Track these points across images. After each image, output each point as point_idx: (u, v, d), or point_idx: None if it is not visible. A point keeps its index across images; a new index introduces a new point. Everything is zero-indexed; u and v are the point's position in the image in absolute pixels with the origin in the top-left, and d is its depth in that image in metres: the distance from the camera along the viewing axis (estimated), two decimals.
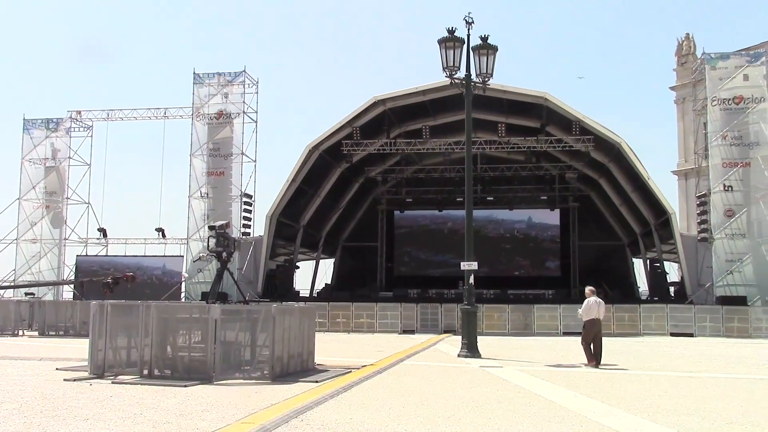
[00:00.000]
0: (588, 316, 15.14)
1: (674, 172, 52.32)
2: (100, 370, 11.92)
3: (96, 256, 38.55)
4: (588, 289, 15.75)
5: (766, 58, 31.94)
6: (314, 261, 44.67)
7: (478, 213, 33.29)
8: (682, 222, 41.07)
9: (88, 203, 39.36)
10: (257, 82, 36.04)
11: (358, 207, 44.02)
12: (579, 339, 15.54)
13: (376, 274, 42.64)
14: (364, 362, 14.57)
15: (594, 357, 14.83)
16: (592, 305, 15.16)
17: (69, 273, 38.52)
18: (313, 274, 44.40)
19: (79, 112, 39.55)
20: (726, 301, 28.78)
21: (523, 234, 42.16)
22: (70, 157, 39.43)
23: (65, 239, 39.23)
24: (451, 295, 34.51)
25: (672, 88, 53.42)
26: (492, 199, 40.58)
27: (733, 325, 27.35)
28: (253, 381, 11.45)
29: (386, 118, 35.15)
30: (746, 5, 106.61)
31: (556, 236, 41.89)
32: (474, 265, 17.71)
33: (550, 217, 41.79)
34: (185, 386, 10.53)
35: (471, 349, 16.81)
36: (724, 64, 31.29)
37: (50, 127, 39.22)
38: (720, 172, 30.57)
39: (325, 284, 42.99)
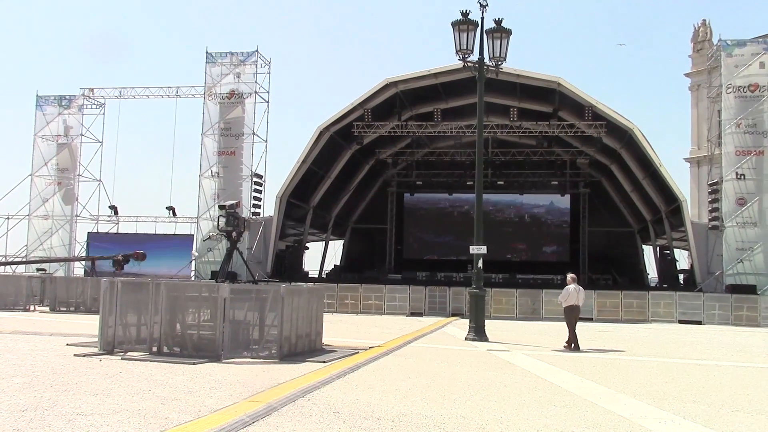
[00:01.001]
0: (567, 303, 15.81)
1: (686, 160, 52.04)
2: (110, 346, 12.04)
3: (107, 233, 38.77)
4: (569, 276, 16.37)
5: None
6: (324, 242, 44.77)
7: (489, 197, 33.39)
8: (693, 209, 40.92)
9: (100, 180, 39.56)
10: (270, 62, 36.02)
11: (368, 189, 44.01)
12: (588, 325, 15.69)
13: (385, 257, 42.73)
14: (371, 344, 14.65)
15: (573, 340, 15.37)
16: (572, 292, 15.78)
17: (80, 249, 38.79)
18: (322, 255, 44.58)
19: (91, 90, 39.63)
20: (735, 289, 28.70)
21: (533, 218, 42.06)
22: (82, 134, 39.59)
23: (77, 216, 39.47)
24: (460, 278, 34.55)
25: (687, 75, 52.99)
26: (502, 183, 40.49)
27: (742, 313, 27.28)
28: (261, 360, 11.54)
29: (398, 101, 35.03)
30: None
31: (566, 221, 41.80)
32: (483, 249, 17.74)
33: (561, 203, 41.67)
34: (194, 364, 10.63)
35: (478, 333, 16.87)
36: (740, 51, 31.00)
37: (63, 104, 39.34)
38: (733, 160, 30.39)
39: (334, 265, 43.11)
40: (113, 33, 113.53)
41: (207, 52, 35.73)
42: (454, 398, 8.42)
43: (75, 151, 39.67)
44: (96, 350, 12.03)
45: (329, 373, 10.10)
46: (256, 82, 35.36)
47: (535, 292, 28.86)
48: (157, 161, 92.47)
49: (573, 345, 15.23)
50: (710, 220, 31.46)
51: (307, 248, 41.68)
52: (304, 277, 37.35)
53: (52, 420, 6.53)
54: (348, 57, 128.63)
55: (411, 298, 28.88)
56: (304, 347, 12.57)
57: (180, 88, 38.41)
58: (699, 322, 27.02)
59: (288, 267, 36.23)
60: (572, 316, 15.70)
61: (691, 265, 32.87)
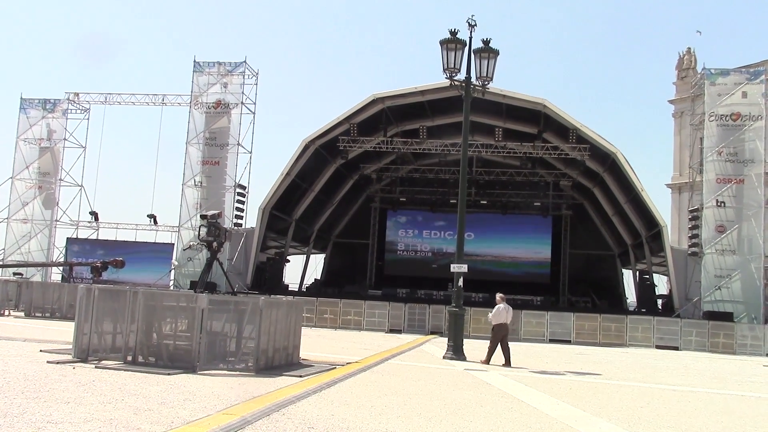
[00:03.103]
0: (497, 321, 16.42)
1: (668, 185, 52.46)
2: (84, 354, 11.89)
3: (86, 239, 38.44)
4: (498, 296, 17.11)
5: (766, 77, 32.10)
6: (305, 255, 44.65)
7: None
8: (674, 235, 41.21)
9: (81, 186, 39.27)
10: (257, 74, 36.04)
11: (352, 204, 43.99)
12: (566, 347, 15.80)
13: (366, 272, 42.66)
14: (349, 359, 14.58)
15: (507, 358, 15.93)
16: (501, 311, 16.53)
17: (58, 255, 38.42)
18: (303, 268, 44.46)
19: (76, 94, 39.41)
20: (713, 316, 28.90)
21: (513, 238, 42.11)
22: (65, 139, 39.32)
23: (56, 221, 39.12)
24: (440, 296, 34.55)
25: (671, 102, 53.54)
26: (485, 202, 40.59)
27: (718, 340, 27.48)
28: (237, 372, 11.45)
29: (384, 117, 35.12)
30: (748, 23, 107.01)
31: (548, 243, 41.91)
32: (464, 268, 17.76)
33: (543, 224, 41.79)
34: (169, 374, 10.52)
35: (457, 352, 16.85)
36: (723, 80, 31.41)
37: (47, 107, 39.08)
38: (714, 188, 30.69)
39: (315, 279, 42.98)
40: (101, 38, 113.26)
41: (195, 61, 35.69)
42: (429, 417, 8.38)
43: (57, 156, 39.38)
44: (70, 357, 11.88)
45: (305, 387, 10.03)
46: (243, 92, 35.33)
47: (515, 313, 28.71)
48: (140, 168, 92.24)
49: (506, 362, 15.80)
50: (690, 246, 31.71)
51: (288, 261, 41.53)
52: (284, 290, 37.19)
53: (21, 427, 6.43)
54: (336, 71, 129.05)
55: (390, 314, 28.84)
56: (281, 361, 12.48)
57: (166, 95, 38.35)
58: (676, 348, 27.18)
59: (268, 279, 36.06)
60: (499, 333, 16.35)
61: (670, 291, 33.07)
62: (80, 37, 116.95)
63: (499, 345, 16.25)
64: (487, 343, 16.78)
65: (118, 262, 30.69)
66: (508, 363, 15.73)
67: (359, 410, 8.55)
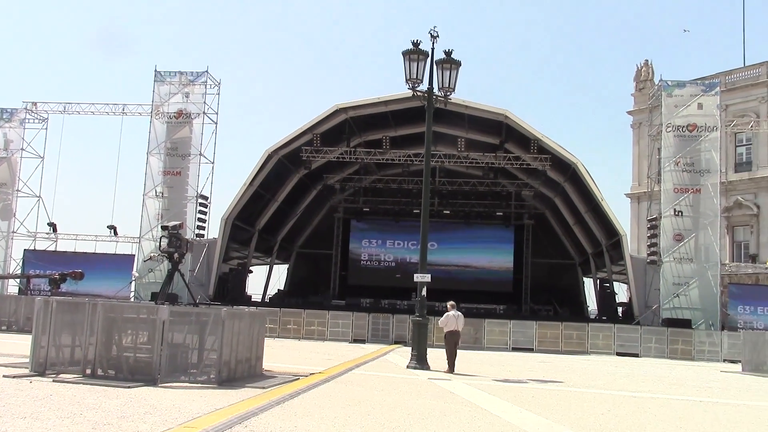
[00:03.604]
0: (447, 328, 16.89)
1: (627, 195, 53.24)
2: (41, 367, 11.67)
3: (44, 250, 37.72)
4: (449, 303, 17.59)
5: (720, 89, 32.83)
6: (268, 266, 44.38)
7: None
8: (633, 244, 41.82)
9: (39, 197, 38.48)
10: (219, 83, 35.74)
11: (315, 214, 43.87)
12: (529, 355, 16.01)
13: (329, 282, 42.54)
14: (312, 370, 14.52)
15: (449, 364, 16.51)
16: (451, 318, 16.97)
17: (15, 267, 37.62)
18: (266, 279, 44.11)
19: (34, 104, 38.68)
20: (671, 323, 29.36)
21: (476, 247, 42.33)
22: (23, 149, 38.52)
23: (13, 232, 38.30)
24: (404, 306, 34.58)
25: (629, 113, 54.37)
26: (449, 212, 40.78)
27: (677, 347, 27.94)
28: (199, 385, 11.33)
29: (347, 127, 35.12)
30: (705, 36, 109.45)
31: (510, 252, 42.23)
32: (427, 278, 17.81)
33: (505, 234, 42.10)
34: (129, 387, 10.37)
35: (420, 361, 16.88)
36: (680, 92, 32.05)
37: (4, 117, 38.30)
38: (671, 197, 31.24)
39: (278, 290, 42.71)
40: (60, 47, 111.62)
41: (156, 71, 35.30)
42: (393, 427, 8.38)
43: (14, 166, 38.57)
44: (27, 371, 11.64)
45: (268, 399, 9.97)
46: (204, 102, 35.00)
47: (478, 322, 29.07)
48: (99, 179, 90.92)
49: (452, 368, 16.27)
50: (649, 254, 32.20)
51: (251, 272, 41.22)
52: (247, 300, 36.88)
53: None
54: (299, 81, 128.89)
55: (354, 324, 28.78)
56: (243, 372, 12.38)
57: (126, 105, 37.75)
58: (636, 355, 27.56)
59: (231, 290, 35.74)
60: (451, 340, 16.80)
61: (630, 299, 33.52)
62: (40, 47, 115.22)
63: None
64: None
65: (77, 273, 30.12)
66: (451, 369, 16.27)
67: (322, 421, 8.52)
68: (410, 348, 17.84)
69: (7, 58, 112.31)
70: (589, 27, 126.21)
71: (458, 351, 17.01)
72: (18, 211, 38.49)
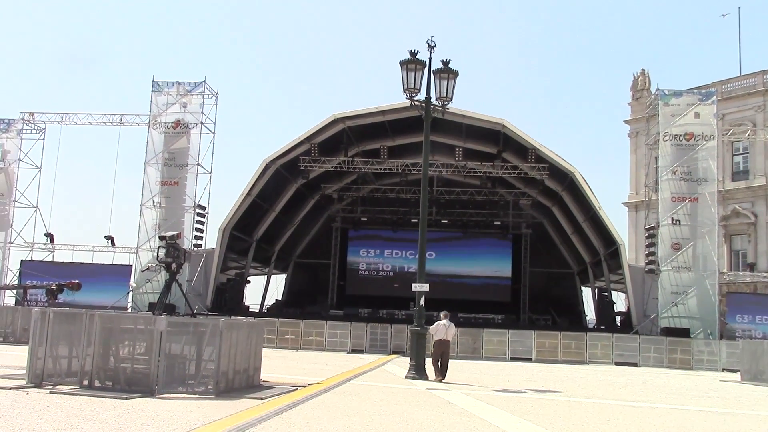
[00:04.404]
0: (437, 337, 16.96)
1: (625, 204, 53.29)
2: (38, 379, 11.60)
3: (41, 261, 37.63)
4: (442, 313, 17.58)
5: (717, 98, 32.90)
6: (266, 276, 44.31)
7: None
8: (631, 253, 41.81)
9: (36, 207, 38.46)
10: (217, 94, 35.80)
11: (313, 224, 43.84)
12: (528, 365, 15.99)
13: (327, 292, 42.47)
14: (310, 380, 14.46)
15: (441, 373, 16.59)
16: (441, 328, 17.03)
17: (12, 277, 37.52)
18: (264, 289, 44.07)
19: (32, 114, 38.70)
20: (670, 332, 29.34)
21: (474, 256, 42.31)
22: (20, 159, 38.53)
23: (10, 243, 38.23)
24: (402, 315, 34.53)
25: (626, 122, 54.50)
26: (446, 222, 40.79)
27: (675, 356, 27.91)
28: (197, 396, 11.27)
29: (345, 136, 35.15)
30: (701, 45, 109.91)
31: (508, 261, 42.20)
32: (425, 287, 17.78)
33: (503, 243, 42.08)
34: (126, 399, 10.32)
35: (419, 371, 16.83)
36: (676, 101, 32.13)
37: (1, 127, 38.31)
38: (669, 206, 31.27)
39: (276, 300, 42.62)
40: (57, 57, 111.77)
41: (153, 81, 35.34)
42: None
43: (11, 176, 38.56)
44: (23, 383, 11.58)
45: (266, 410, 9.92)
46: (202, 112, 35.05)
47: (476, 331, 29.06)
48: (97, 189, 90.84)
49: (441, 377, 16.48)
50: (647, 263, 32.20)
51: (249, 282, 41.15)
52: (245, 311, 36.81)
53: None
54: (296, 91, 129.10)
55: (352, 334, 28.73)
56: (241, 383, 12.33)
57: (124, 115, 37.80)
58: (635, 364, 27.52)
59: (228, 301, 35.67)
60: (440, 349, 16.92)
61: (628, 308, 33.52)
62: (37, 57, 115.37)
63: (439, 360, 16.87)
64: (451, 362, 17.01)
65: (74, 284, 30.06)
66: (442, 377, 16.47)
67: None
68: (408, 358, 17.78)
69: (4, 68, 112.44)
70: (586, 36, 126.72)
71: (456, 360, 17.03)
72: (15, 221, 38.48)
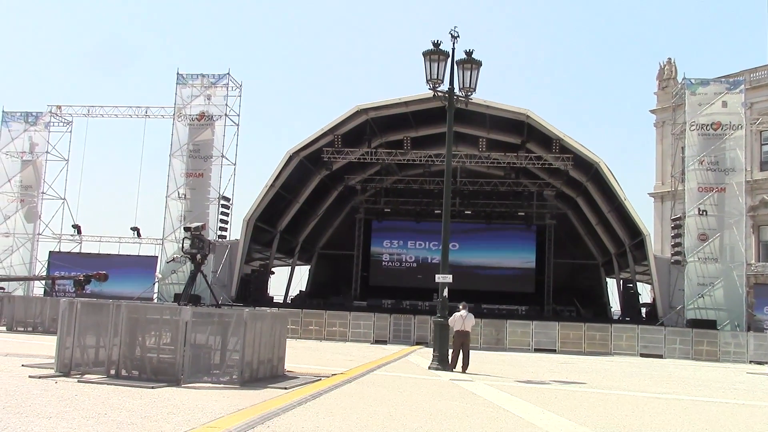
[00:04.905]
0: (455, 328, 17.16)
1: (651, 194, 52.76)
2: (66, 368, 11.78)
3: (69, 252, 38.14)
4: (460, 304, 17.74)
5: (745, 86, 32.41)
6: (290, 267, 44.54)
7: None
8: (657, 244, 41.42)
9: (64, 199, 38.98)
10: (241, 85, 35.99)
11: (336, 215, 43.95)
12: (551, 356, 15.96)
13: (351, 283, 42.57)
14: (334, 371, 14.54)
15: (463, 364, 16.76)
16: (457, 319, 17.21)
17: (41, 269, 38.08)
18: (288, 280, 44.28)
19: (59, 107, 39.18)
20: (696, 324, 29.06)
21: (498, 247, 42.17)
22: (47, 152, 39.05)
23: (39, 234, 38.80)
24: (425, 306, 34.53)
25: (652, 111, 53.88)
26: (470, 213, 40.67)
27: (702, 348, 27.62)
28: (222, 385, 11.38)
29: (368, 128, 35.15)
30: (728, 33, 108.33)
31: (532, 252, 42.01)
32: (449, 278, 17.76)
33: (527, 234, 41.87)
34: (152, 388, 10.45)
35: (442, 362, 16.84)
36: (703, 90, 31.71)
37: (29, 120, 38.83)
38: (695, 196, 30.93)
39: (300, 291, 42.84)
40: (85, 51, 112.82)
41: (178, 74, 35.60)
42: (414, 427, 8.37)
43: (40, 169, 39.10)
44: (52, 372, 11.77)
45: (290, 399, 9.99)
46: (226, 104, 35.27)
47: (500, 322, 28.99)
48: (123, 181, 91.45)
49: (461, 366, 16.66)
50: (673, 254, 31.90)
51: (273, 273, 41.38)
52: (269, 302, 37.03)
53: None
54: (319, 83, 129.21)
55: (376, 325, 28.78)
56: (265, 373, 12.43)
57: (149, 108, 38.14)
58: (660, 356, 27.30)
59: (253, 291, 35.90)
60: (458, 340, 17.02)
61: (654, 299, 33.24)
62: (64, 51, 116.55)
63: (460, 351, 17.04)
64: (474, 353, 17.09)
65: (101, 275, 30.42)
66: (464, 368, 16.59)
67: (344, 422, 8.53)
68: (432, 349, 17.81)
69: (32, 63, 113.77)
70: (611, 25, 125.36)
71: (480, 351, 17.04)
72: (43, 213, 39.08)
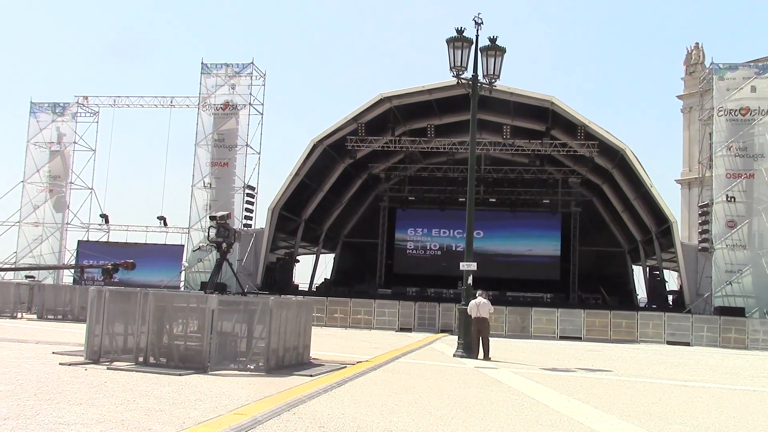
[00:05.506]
0: (473, 315, 17.12)
1: (678, 181, 52.29)
2: (95, 355, 11.96)
3: (97, 241, 38.62)
4: (478, 292, 17.69)
5: None
6: (314, 255, 44.72)
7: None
8: (684, 231, 41.09)
9: (92, 189, 39.47)
10: (264, 75, 36.13)
11: (360, 203, 44.03)
12: (577, 344, 15.94)
13: (375, 271, 42.66)
14: (359, 358, 14.59)
15: (484, 351, 16.81)
16: (473, 306, 17.19)
17: (70, 257, 38.62)
18: (312, 268, 44.52)
19: (86, 98, 39.60)
20: (724, 311, 28.76)
21: (522, 235, 41.99)
22: (75, 142, 39.54)
23: (67, 224, 39.34)
24: (450, 294, 34.53)
25: (679, 97, 53.35)
26: (494, 200, 40.52)
27: (730, 335, 27.33)
28: (248, 372, 11.48)
29: (392, 116, 35.12)
30: (757, 17, 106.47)
31: (557, 240, 41.79)
32: (473, 266, 17.72)
33: (552, 221, 41.65)
34: (180, 375, 10.57)
35: (467, 350, 16.84)
36: (732, 74, 31.26)
37: (57, 111, 39.32)
38: (723, 183, 30.55)
39: (325, 279, 43.03)
40: (110, 42, 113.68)
41: (202, 63, 35.80)
42: (440, 415, 8.39)
43: (67, 159, 39.61)
44: (82, 359, 11.94)
45: (316, 387, 10.06)
46: (250, 93, 35.43)
47: (525, 310, 28.89)
48: (149, 171, 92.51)
49: (483, 354, 16.69)
50: (700, 242, 31.57)
51: (298, 261, 41.58)
52: (294, 290, 37.25)
53: (34, 429, 6.48)
54: (343, 71, 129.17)
55: (400, 313, 28.83)
56: (291, 360, 12.51)
57: (174, 98, 38.43)
58: (687, 344, 27.06)
59: (278, 280, 36.12)
60: (476, 327, 16.99)
61: (681, 287, 32.95)
62: (90, 42, 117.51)
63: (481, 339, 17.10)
64: (495, 340, 17.07)
65: (128, 264, 30.57)
66: (485, 356, 16.62)
67: (370, 409, 8.57)
68: (456, 336, 17.82)
69: (59, 54, 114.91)
70: (638, 9, 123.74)
71: (504, 339, 17.00)
72: (71, 203, 39.62)
